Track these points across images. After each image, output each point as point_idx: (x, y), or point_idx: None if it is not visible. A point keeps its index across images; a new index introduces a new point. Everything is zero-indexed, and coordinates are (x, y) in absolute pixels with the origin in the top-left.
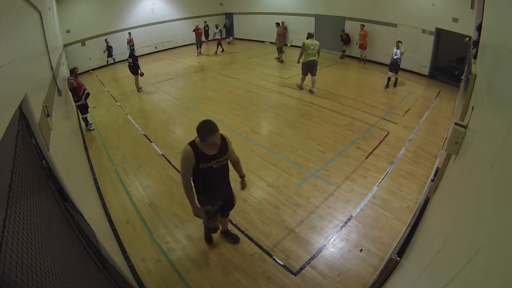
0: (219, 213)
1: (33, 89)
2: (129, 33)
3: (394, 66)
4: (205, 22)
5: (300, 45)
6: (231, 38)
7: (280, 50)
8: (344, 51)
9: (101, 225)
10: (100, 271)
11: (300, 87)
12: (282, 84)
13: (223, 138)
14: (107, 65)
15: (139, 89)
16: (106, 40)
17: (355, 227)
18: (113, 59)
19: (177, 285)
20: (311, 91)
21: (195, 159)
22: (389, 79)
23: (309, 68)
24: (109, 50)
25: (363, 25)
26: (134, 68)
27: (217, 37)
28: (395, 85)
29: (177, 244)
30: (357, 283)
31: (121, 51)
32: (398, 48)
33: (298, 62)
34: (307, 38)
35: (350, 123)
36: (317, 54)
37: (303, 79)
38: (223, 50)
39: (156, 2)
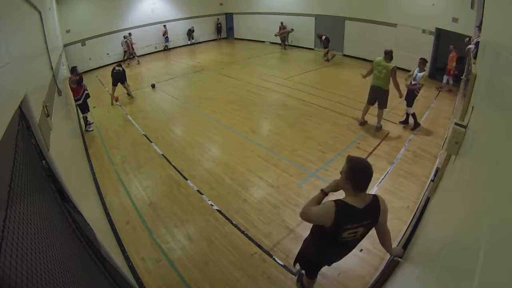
0: None
1: (33, 89)
2: (164, 25)
3: (409, 95)
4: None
5: (300, 45)
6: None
7: (282, 40)
8: (327, 55)
9: (101, 225)
10: (100, 271)
11: (362, 123)
12: (282, 84)
13: None
14: (164, 50)
15: (112, 102)
16: (164, 25)
17: None
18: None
19: (177, 285)
20: (376, 127)
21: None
22: (407, 115)
23: (371, 94)
24: (166, 37)
25: (454, 46)
26: (123, 76)
27: (124, 49)
28: (414, 127)
29: (177, 244)
30: (357, 283)
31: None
32: (420, 70)
33: (365, 77)
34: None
35: (350, 123)
36: (386, 80)
37: (365, 110)
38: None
39: (156, 2)
